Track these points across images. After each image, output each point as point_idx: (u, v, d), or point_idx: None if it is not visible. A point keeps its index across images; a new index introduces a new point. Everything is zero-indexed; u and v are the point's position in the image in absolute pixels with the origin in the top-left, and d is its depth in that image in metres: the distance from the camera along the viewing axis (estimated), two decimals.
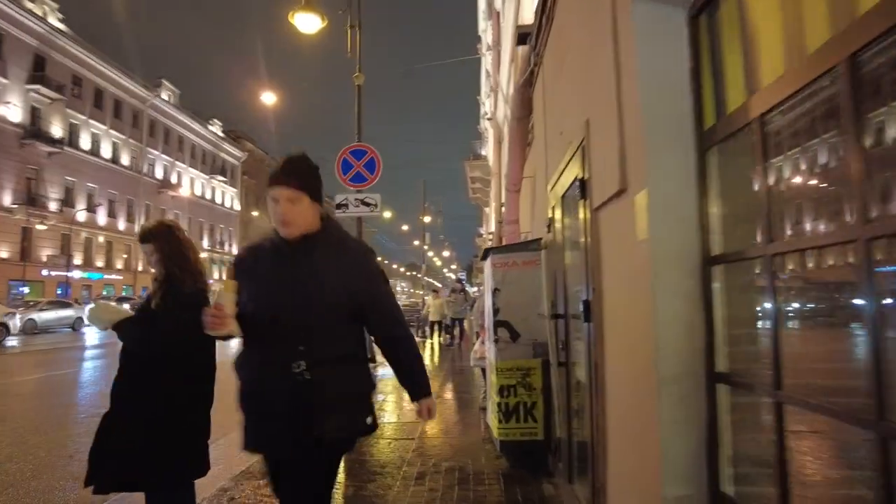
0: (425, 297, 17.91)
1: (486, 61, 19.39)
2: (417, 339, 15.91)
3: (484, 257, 4.69)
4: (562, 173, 3.37)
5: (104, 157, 39.47)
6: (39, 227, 32.64)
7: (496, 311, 4.27)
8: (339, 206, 8.04)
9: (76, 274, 35.52)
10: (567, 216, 3.43)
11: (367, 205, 7.95)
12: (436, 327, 15.79)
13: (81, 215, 36.44)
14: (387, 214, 50.52)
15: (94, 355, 14.43)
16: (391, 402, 6.90)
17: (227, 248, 56.47)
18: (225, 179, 55.88)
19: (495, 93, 16.18)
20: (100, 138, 39.23)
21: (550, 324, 3.57)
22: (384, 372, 9.84)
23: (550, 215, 3.90)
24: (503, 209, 7.72)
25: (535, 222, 5.70)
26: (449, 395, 7.41)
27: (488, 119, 18.96)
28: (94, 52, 38.35)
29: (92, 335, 21.34)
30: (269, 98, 21.07)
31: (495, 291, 4.29)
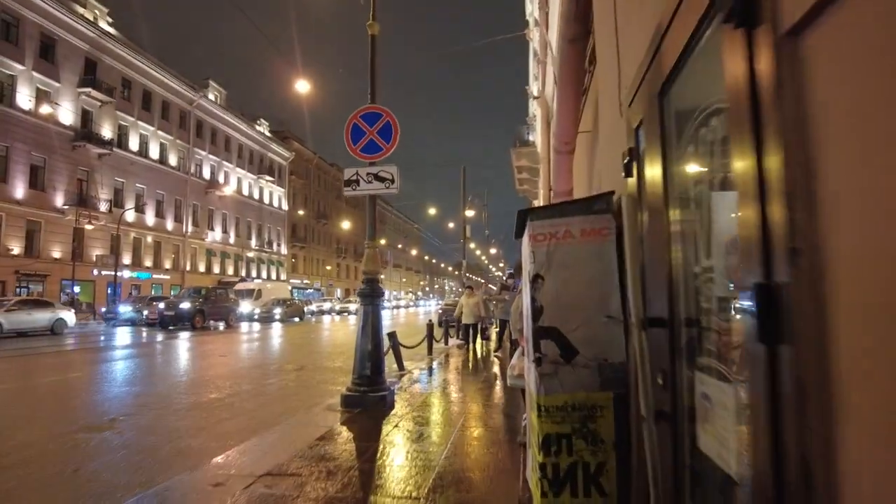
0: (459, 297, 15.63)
1: (534, 40, 17.69)
2: (456, 342, 14.13)
3: (519, 231, 3.06)
4: (663, 38, 1.72)
5: (152, 157, 39.88)
6: (88, 227, 33.01)
7: (537, 312, 2.63)
8: (347, 183, 6.56)
9: (125, 273, 35.87)
10: (673, 125, 1.77)
11: (382, 180, 6.44)
12: (471, 331, 13.50)
13: (130, 215, 36.79)
14: (431, 211, 49.30)
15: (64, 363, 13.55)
16: (396, 431, 5.36)
17: (275, 247, 56.57)
18: (272, 179, 55.98)
19: (544, 65, 14.47)
20: (148, 139, 39.67)
21: (638, 337, 1.93)
22: (413, 379, 8.28)
23: (631, 145, 2.25)
24: (551, 177, 6.04)
25: (597, 189, 4.03)
26: (480, 421, 5.78)
27: (535, 98, 17.22)
28: (143, 55, 38.79)
29: (73, 339, 20.27)
30: (303, 86, 20.13)
31: (535, 280, 2.65)
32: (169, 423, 6.24)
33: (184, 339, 19.02)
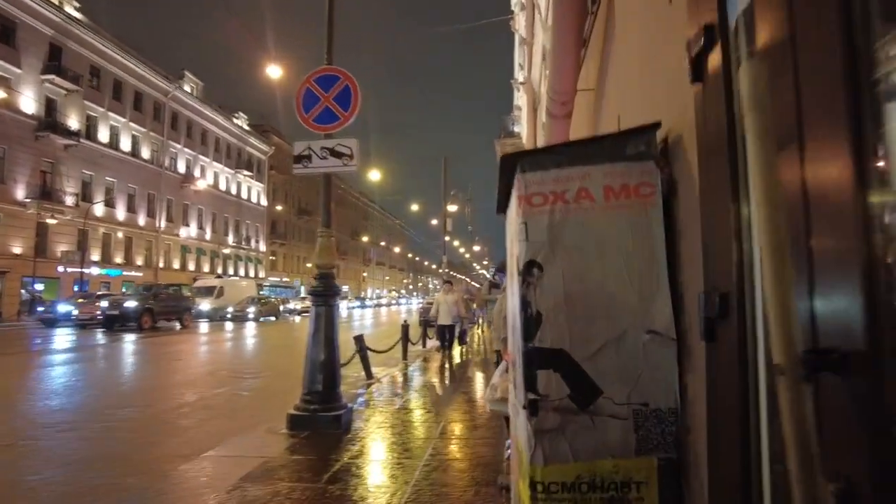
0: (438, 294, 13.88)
1: (520, 28, 16.73)
2: (435, 344, 12.98)
3: (503, 199, 2.01)
4: None
5: (123, 150, 38.20)
6: (51, 221, 31.38)
7: (530, 324, 1.58)
8: (298, 160, 5.49)
9: (94, 270, 34.21)
10: None
11: (339, 155, 5.37)
12: (447, 334, 11.87)
13: (99, 210, 35.18)
14: (414, 207, 48.18)
15: None
16: (347, 465, 4.33)
17: (253, 244, 55.02)
18: (251, 174, 54.41)
19: (530, 47, 13.46)
20: (119, 131, 37.97)
21: (791, 394, 0.85)
22: (379, 391, 7.07)
23: (709, 20, 1.21)
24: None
25: None
26: (452, 451, 4.75)
27: (522, 84, 16.16)
28: (113, 42, 37.09)
29: None
30: (275, 71, 19.00)
31: (529, 271, 1.61)
32: (80, 448, 5.13)
33: (126, 343, 16.93)
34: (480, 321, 21.00)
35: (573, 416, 1.51)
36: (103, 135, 36.51)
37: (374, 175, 30.63)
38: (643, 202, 1.56)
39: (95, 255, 35.01)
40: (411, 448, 4.62)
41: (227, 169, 51.07)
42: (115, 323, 21.48)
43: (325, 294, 5.29)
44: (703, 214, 1.33)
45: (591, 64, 3.98)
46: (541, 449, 1.52)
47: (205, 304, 30.50)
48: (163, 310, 23.59)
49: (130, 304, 22.05)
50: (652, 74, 1.87)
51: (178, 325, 24.18)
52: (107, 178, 36.60)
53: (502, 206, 2.17)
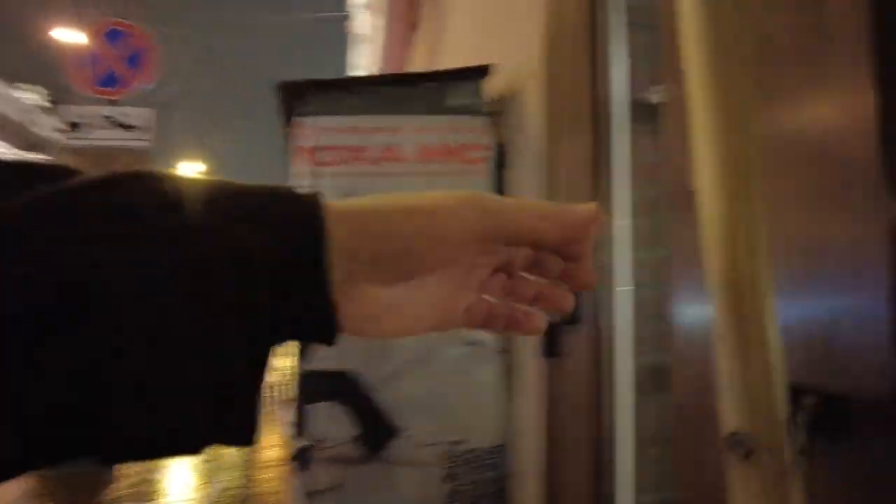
0: None
1: (360, 22, 16.40)
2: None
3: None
4: None
5: None
6: None
7: None
8: (73, 127, 4.44)
9: None
10: None
11: (129, 127, 4.42)
12: None
13: None
14: None
15: None
16: None
17: None
18: (44, 158, 46.82)
19: (368, 43, 13.15)
20: None
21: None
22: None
23: None
24: None
25: None
26: (253, 485, 4.12)
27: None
28: None
29: None
30: (69, 35, 16.34)
31: None
32: None
33: None
34: None
35: (360, 466, 1.05)
36: None
37: (198, 167, 28.08)
38: (468, 169, 1.17)
39: None
40: (199, 482, 3.84)
41: (11, 149, 43.34)
42: None
43: None
44: (551, 187, 0.96)
45: (421, 48, 3.71)
46: None
47: None
48: None
49: None
50: (491, 27, 1.52)
51: None
52: None
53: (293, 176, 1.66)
